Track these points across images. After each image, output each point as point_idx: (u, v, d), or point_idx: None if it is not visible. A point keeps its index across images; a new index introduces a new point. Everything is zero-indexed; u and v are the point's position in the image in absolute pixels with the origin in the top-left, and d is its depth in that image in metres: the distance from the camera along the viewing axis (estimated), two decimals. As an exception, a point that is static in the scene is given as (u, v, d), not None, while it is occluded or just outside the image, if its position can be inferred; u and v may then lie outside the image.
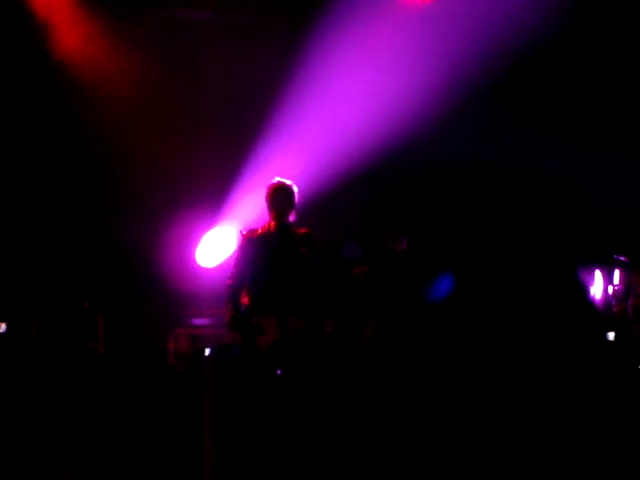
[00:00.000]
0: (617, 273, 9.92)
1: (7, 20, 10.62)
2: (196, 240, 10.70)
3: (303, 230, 7.79)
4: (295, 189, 7.83)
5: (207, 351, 9.71)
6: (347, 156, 10.28)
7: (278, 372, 7.45)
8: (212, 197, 10.53)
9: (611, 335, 9.72)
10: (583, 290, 10.22)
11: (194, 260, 10.70)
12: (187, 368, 9.62)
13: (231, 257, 8.19)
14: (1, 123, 10.81)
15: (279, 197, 7.77)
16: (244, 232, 7.84)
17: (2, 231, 10.85)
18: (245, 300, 7.64)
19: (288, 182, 7.85)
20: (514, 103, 10.72)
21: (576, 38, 10.56)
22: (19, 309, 10.48)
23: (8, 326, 10.34)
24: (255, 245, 7.73)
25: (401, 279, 8.97)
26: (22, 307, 10.49)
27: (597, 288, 10.10)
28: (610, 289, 9.93)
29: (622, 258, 9.86)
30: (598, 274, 10.11)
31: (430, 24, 10.52)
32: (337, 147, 10.28)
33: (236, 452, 7.21)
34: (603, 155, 10.41)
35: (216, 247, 10.59)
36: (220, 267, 10.30)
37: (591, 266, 10.19)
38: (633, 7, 10.57)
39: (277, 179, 7.87)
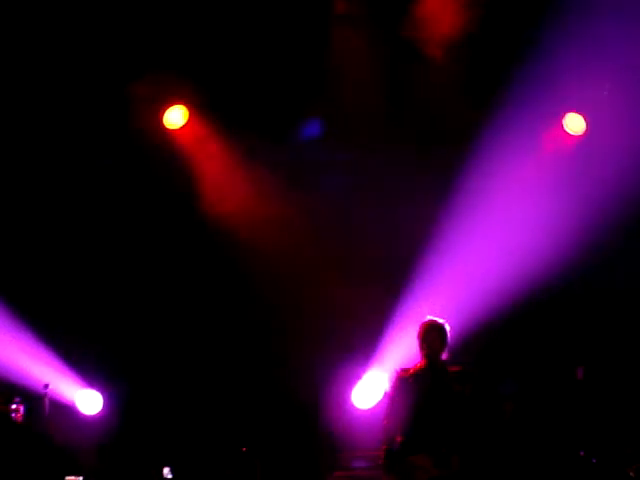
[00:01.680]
0: None
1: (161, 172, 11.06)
2: (351, 382, 10.70)
3: (456, 368, 7.75)
4: (447, 327, 7.81)
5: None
6: (500, 291, 10.20)
7: None
8: (366, 338, 10.55)
9: None
10: None
11: (350, 402, 10.68)
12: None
13: (385, 397, 8.16)
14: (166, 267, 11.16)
15: (431, 336, 7.78)
16: (398, 372, 7.86)
17: (168, 376, 11.10)
18: (399, 439, 7.60)
19: (440, 320, 7.84)
20: None
21: None
22: (185, 454, 10.64)
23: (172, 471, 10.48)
24: (408, 384, 7.73)
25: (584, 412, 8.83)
26: (191, 451, 10.65)
27: None
28: None
29: None
30: None
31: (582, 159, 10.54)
32: (489, 284, 10.22)
33: None
34: None
35: (371, 388, 10.58)
36: (376, 408, 10.25)
37: None
38: None
39: (429, 317, 7.87)
